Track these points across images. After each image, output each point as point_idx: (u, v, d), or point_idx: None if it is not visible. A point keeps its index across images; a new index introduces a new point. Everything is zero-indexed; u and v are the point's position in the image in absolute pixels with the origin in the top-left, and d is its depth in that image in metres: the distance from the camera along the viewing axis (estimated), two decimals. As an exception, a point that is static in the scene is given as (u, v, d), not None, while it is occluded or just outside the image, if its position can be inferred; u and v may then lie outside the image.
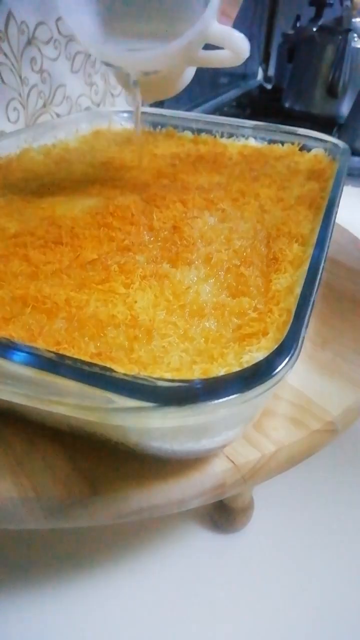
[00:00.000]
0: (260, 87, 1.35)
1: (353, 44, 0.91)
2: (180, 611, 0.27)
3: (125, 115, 0.53)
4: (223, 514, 0.30)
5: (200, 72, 0.39)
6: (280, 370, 0.19)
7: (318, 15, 1.00)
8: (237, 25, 0.33)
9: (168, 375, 0.20)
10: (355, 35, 0.91)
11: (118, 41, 0.32)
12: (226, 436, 0.23)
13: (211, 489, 0.23)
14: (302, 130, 0.48)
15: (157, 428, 0.20)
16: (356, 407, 0.27)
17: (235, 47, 0.33)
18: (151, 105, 0.83)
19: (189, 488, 0.23)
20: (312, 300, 0.23)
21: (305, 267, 0.26)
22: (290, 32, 1.10)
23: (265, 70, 1.42)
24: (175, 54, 0.30)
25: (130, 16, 0.32)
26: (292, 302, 0.24)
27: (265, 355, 0.19)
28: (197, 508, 0.28)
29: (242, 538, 0.31)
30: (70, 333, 0.22)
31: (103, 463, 0.23)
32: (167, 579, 0.28)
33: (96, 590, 0.28)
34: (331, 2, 0.98)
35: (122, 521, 0.23)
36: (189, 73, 0.38)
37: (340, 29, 0.92)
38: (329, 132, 0.48)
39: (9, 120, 0.53)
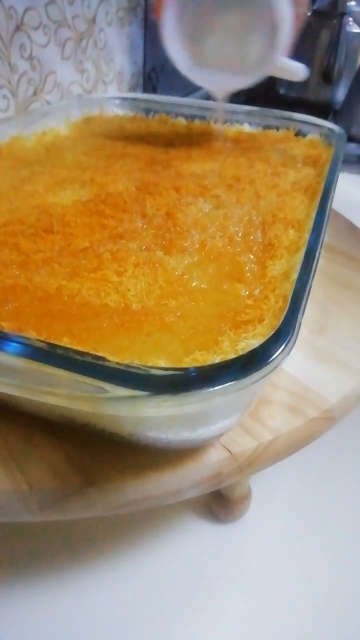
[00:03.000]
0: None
1: (348, 28, 0.89)
2: (179, 602, 0.27)
3: (117, 102, 0.52)
4: (220, 503, 0.30)
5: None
6: (277, 357, 0.18)
7: (313, -1, 0.99)
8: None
9: (162, 364, 0.20)
10: (350, 19, 0.89)
11: (205, 70, 0.40)
12: (222, 425, 0.22)
13: (208, 478, 0.23)
14: (297, 116, 0.47)
15: (151, 417, 0.19)
16: (354, 394, 0.27)
17: (293, 74, 0.46)
18: (144, 92, 0.82)
19: (185, 478, 0.22)
20: (308, 286, 0.23)
21: (302, 253, 0.26)
22: (285, 16, 1.09)
23: (259, 57, 1.40)
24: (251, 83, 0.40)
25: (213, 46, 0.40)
26: (288, 289, 0.23)
27: (261, 342, 0.19)
28: (194, 498, 0.27)
29: (240, 528, 0.31)
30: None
31: (97, 454, 0.23)
32: (165, 571, 0.28)
33: (92, 583, 0.27)
34: (326, -15, 0.97)
35: (118, 512, 0.23)
36: None
37: (335, 13, 0.91)
38: (325, 118, 0.47)
39: (-2, 108, 0.52)
